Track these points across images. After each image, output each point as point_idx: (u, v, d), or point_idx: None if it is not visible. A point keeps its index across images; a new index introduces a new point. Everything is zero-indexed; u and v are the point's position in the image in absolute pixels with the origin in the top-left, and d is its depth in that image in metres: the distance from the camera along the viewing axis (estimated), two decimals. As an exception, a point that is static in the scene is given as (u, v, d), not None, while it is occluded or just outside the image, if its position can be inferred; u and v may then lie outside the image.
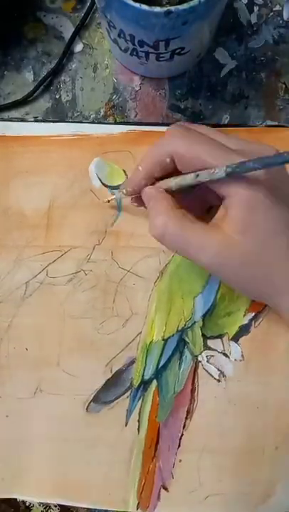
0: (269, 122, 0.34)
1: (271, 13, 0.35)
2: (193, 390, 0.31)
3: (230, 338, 0.32)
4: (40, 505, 0.32)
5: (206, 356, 0.32)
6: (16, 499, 0.32)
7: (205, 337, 0.32)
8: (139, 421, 0.31)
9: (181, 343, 0.32)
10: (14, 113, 0.34)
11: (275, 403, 0.31)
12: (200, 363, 0.32)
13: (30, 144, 0.33)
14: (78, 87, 0.35)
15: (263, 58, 0.35)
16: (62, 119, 0.34)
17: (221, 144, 0.24)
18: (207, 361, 0.32)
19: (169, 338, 0.32)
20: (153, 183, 0.27)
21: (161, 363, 0.32)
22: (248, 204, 0.23)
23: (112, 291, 0.32)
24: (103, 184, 0.33)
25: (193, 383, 0.32)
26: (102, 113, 0.34)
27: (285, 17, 0.35)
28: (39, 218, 0.33)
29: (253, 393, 0.31)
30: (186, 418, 0.31)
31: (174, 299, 0.32)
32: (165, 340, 0.32)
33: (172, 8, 0.24)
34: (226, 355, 0.32)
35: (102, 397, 0.31)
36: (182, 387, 0.31)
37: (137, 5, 0.24)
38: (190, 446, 0.31)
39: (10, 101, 0.34)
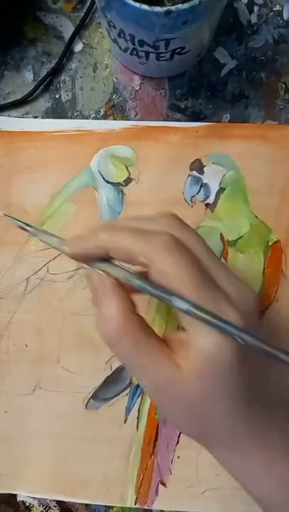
0: (269, 122, 0.34)
1: (271, 13, 0.35)
2: (192, 388, 0.32)
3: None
4: (40, 506, 0.32)
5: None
6: (15, 499, 0.32)
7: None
8: (138, 418, 0.31)
9: (181, 342, 0.32)
10: (14, 113, 0.35)
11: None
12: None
13: (36, 139, 0.34)
14: (78, 87, 0.35)
15: (263, 58, 0.35)
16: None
17: (203, 274, 0.19)
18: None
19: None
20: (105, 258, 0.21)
21: (161, 360, 0.32)
22: (209, 363, 0.19)
23: (113, 288, 0.32)
24: (105, 180, 0.33)
25: (192, 381, 0.32)
26: (102, 113, 0.35)
27: (285, 17, 0.35)
28: (40, 214, 0.33)
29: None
30: (185, 415, 0.31)
31: (174, 298, 0.32)
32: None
33: (172, 7, 0.24)
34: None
35: (102, 394, 0.32)
36: (181, 385, 0.32)
37: (137, 4, 0.24)
38: (188, 443, 0.31)
39: (10, 101, 0.34)
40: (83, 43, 0.35)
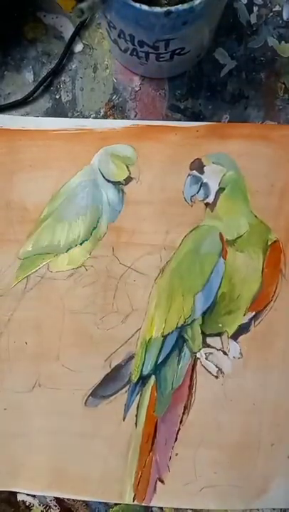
0: (269, 122, 0.34)
1: (271, 14, 0.35)
2: (191, 386, 0.32)
3: (229, 336, 0.32)
4: (40, 505, 0.32)
5: (205, 353, 0.32)
6: (16, 498, 0.32)
7: (204, 334, 0.32)
8: (136, 415, 0.32)
9: (181, 340, 0.32)
10: (14, 113, 0.35)
11: (271, 401, 0.32)
12: (198, 360, 0.32)
13: (38, 138, 0.34)
14: (78, 87, 0.35)
15: (262, 58, 0.35)
16: (62, 119, 0.35)
17: None
18: (206, 358, 0.32)
19: (168, 334, 0.32)
20: None
21: (160, 359, 0.32)
22: None
23: (113, 287, 0.33)
24: (105, 179, 0.33)
25: (191, 379, 0.32)
26: (102, 113, 0.35)
27: (284, 17, 0.35)
28: (41, 212, 0.33)
29: (251, 390, 0.32)
30: (184, 413, 0.32)
31: (174, 296, 0.32)
32: (164, 337, 0.32)
33: (172, 8, 0.24)
34: (224, 352, 0.32)
35: (101, 391, 0.32)
36: (180, 383, 0.32)
37: (137, 5, 0.24)
38: (187, 441, 0.31)
39: (10, 101, 0.35)
40: (83, 43, 0.35)
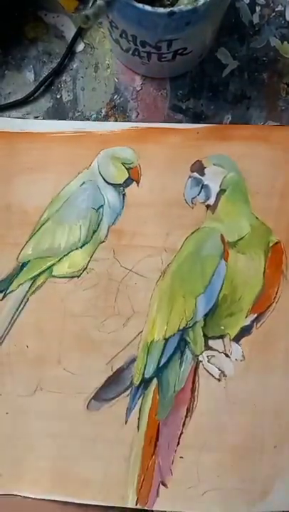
0: (271, 123, 0.34)
1: (273, 14, 0.35)
2: (193, 389, 0.32)
3: (231, 338, 0.32)
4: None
5: (207, 356, 0.32)
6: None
7: (206, 337, 0.32)
8: (139, 419, 0.32)
9: (182, 343, 0.32)
10: (15, 113, 0.34)
11: (274, 403, 0.32)
12: (201, 363, 0.32)
13: (37, 141, 0.33)
14: (79, 87, 0.35)
15: (264, 59, 0.35)
16: (63, 120, 0.34)
17: None
18: (208, 361, 0.32)
19: (170, 337, 0.32)
20: None
21: (162, 362, 0.32)
22: None
23: (114, 290, 0.32)
24: (106, 182, 0.33)
25: (193, 382, 0.32)
26: (103, 113, 0.34)
27: (287, 17, 0.35)
28: (41, 215, 0.33)
29: (253, 393, 0.32)
30: (186, 416, 0.32)
31: (175, 299, 0.32)
32: (166, 340, 0.32)
33: (175, 8, 0.24)
34: (226, 355, 0.32)
35: (103, 395, 0.32)
36: (182, 386, 0.32)
37: (140, 5, 0.24)
38: (189, 444, 0.31)
39: (10, 101, 0.34)
40: (84, 42, 0.35)
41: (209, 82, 0.35)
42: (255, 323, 0.32)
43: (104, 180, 0.33)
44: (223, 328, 0.32)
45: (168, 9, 0.24)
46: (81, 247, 0.33)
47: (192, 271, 0.32)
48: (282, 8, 0.35)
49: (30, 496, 0.32)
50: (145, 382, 0.32)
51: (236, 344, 0.32)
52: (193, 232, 0.33)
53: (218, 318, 0.32)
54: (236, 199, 0.33)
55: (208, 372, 0.32)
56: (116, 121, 0.34)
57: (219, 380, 0.32)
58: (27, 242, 0.33)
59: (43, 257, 0.33)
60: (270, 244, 0.33)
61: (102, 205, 0.33)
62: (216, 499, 0.31)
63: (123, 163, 0.33)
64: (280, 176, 0.33)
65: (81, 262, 0.33)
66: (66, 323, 0.32)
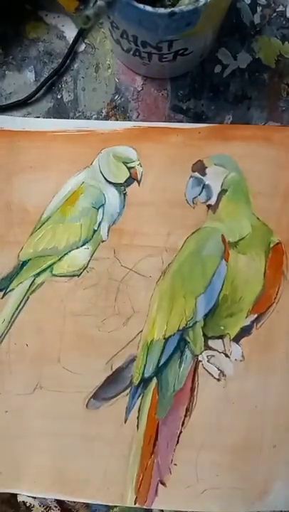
0: (272, 123, 0.34)
1: (274, 14, 0.35)
2: (193, 389, 0.32)
3: (231, 338, 0.32)
4: (40, 506, 0.32)
5: (207, 356, 0.32)
6: (16, 499, 0.32)
7: (206, 337, 0.32)
8: (138, 418, 0.32)
9: (182, 343, 0.32)
10: (16, 113, 0.35)
11: (273, 403, 0.32)
12: (200, 363, 0.32)
13: (38, 139, 0.34)
14: (80, 87, 0.35)
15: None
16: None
17: None
18: (207, 361, 0.32)
19: (170, 337, 0.32)
20: None
21: (162, 361, 0.32)
22: None
23: (114, 289, 0.33)
24: (107, 181, 0.33)
25: (193, 382, 0.32)
26: (104, 113, 0.35)
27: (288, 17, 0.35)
28: (41, 214, 0.33)
29: (253, 392, 0.32)
30: (186, 416, 0.32)
31: (175, 299, 0.32)
32: (166, 339, 0.32)
33: (176, 9, 0.24)
34: (226, 355, 0.32)
35: (102, 393, 0.32)
36: (182, 385, 0.32)
37: (141, 6, 0.24)
38: (189, 443, 0.31)
39: (11, 101, 0.34)
40: (85, 43, 0.35)
41: (210, 83, 0.35)
42: (255, 324, 0.32)
43: (105, 179, 0.33)
44: (223, 328, 0.32)
45: (169, 10, 0.24)
46: (81, 246, 0.33)
47: (193, 271, 0.32)
48: (284, 9, 0.35)
49: (30, 495, 0.32)
50: (145, 382, 0.32)
51: (236, 344, 0.32)
52: (194, 232, 0.33)
53: (218, 318, 0.32)
54: (237, 199, 0.33)
55: (207, 372, 0.32)
56: (117, 121, 0.34)
57: (219, 379, 0.32)
58: (27, 240, 0.33)
59: (43, 255, 0.33)
60: (271, 245, 0.33)
61: (102, 205, 0.33)
62: (215, 498, 0.31)
63: (124, 163, 0.33)
64: (281, 176, 0.33)
65: (81, 261, 0.33)
66: (66, 322, 0.32)
